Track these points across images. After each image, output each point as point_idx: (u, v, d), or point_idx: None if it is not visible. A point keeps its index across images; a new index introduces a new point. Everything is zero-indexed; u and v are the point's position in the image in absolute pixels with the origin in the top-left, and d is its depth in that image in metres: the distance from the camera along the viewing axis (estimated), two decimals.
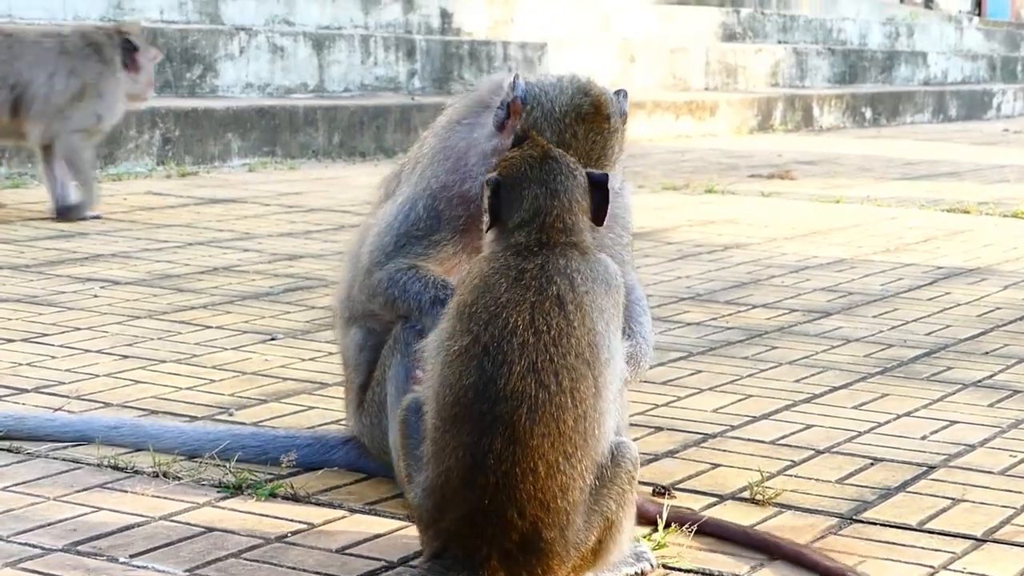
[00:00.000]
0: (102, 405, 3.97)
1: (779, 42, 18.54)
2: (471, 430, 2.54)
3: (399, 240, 3.22)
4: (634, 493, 2.69)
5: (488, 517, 2.53)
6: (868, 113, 17.14)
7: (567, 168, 2.77)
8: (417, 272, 3.18)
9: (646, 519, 3.05)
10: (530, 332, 2.57)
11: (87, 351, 4.56)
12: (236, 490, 3.30)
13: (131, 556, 2.90)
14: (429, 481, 2.61)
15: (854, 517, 3.28)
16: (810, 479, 3.53)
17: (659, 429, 3.91)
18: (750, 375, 4.55)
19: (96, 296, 5.41)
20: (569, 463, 2.53)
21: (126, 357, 4.50)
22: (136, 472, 3.40)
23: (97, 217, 7.25)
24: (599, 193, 2.78)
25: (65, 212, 7.21)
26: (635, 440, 3.06)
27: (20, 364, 4.37)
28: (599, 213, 2.78)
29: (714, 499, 3.37)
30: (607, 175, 2.80)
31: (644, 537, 3.01)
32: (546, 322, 2.58)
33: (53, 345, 4.62)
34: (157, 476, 3.37)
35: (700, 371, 4.58)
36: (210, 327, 4.96)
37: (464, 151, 3.19)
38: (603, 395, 2.60)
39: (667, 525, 3.07)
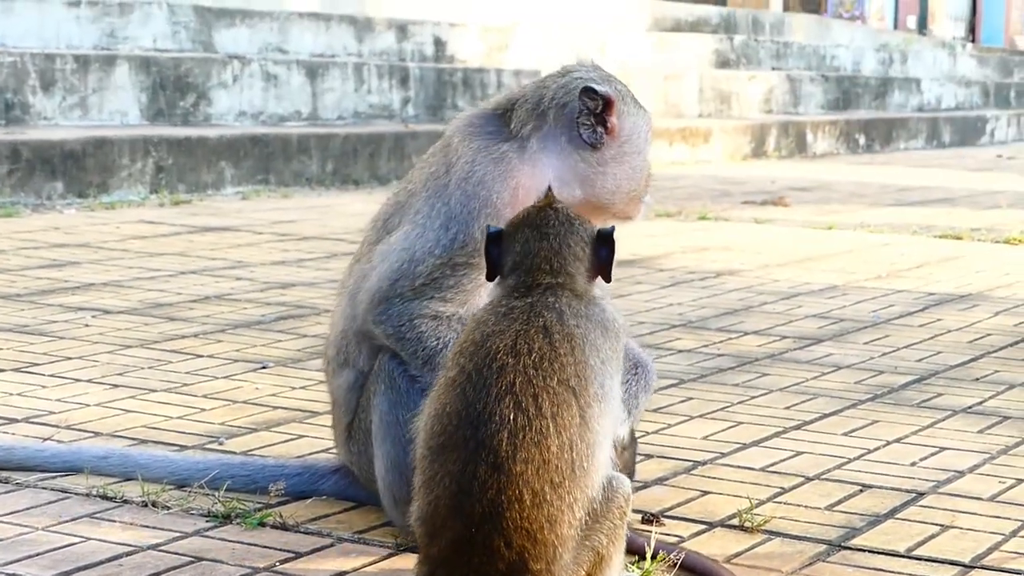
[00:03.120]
0: (92, 435, 3.97)
1: (773, 69, 18.59)
2: (456, 458, 2.53)
3: (432, 271, 3.14)
4: (625, 528, 2.68)
5: (475, 546, 2.50)
6: (861, 139, 17.17)
7: (564, 217, 2.76)
8: (439, 326, 3.14)
9: (632, 550, 3.05)
10: (510, 356, 2.56)
11: (77, 380, 4.56)
12: (225, 519, 3.30)
13: None
14: (420, 511, 2.61)
15: (843, 544, 3.28)
16: (799, 506, 3.53)
17: (649, 456, 3.91)
18: (741, 402, 4.55)
19: (87, 325, 5.41)
20: (556, 494, 2.50)
21: (116, 386, 4.50)
22: (125, 502, 3.40)
23: None
24: (606, 248, 2.76)
25: None
26: None
27: (10, 394, 4.37)
28: (606, 268, 2.76)
29: (703, 526, 3.37)
30: (614, 228, 2.79)
31: (632, 565, 3.01)
32: (528, 346, 2.57)
33: (43, 375, 4.62)
34: (146, 506, 3.37)
35: (691, 398, 4.58)
36: (201, 356, 4.96)
37: (535, 169, 3.18)
38: (591, 427, 2.56)
39: (654, 555, 3.06)
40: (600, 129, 3.21)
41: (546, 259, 2.71)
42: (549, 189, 2.90)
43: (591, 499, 2.56)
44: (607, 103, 3.21)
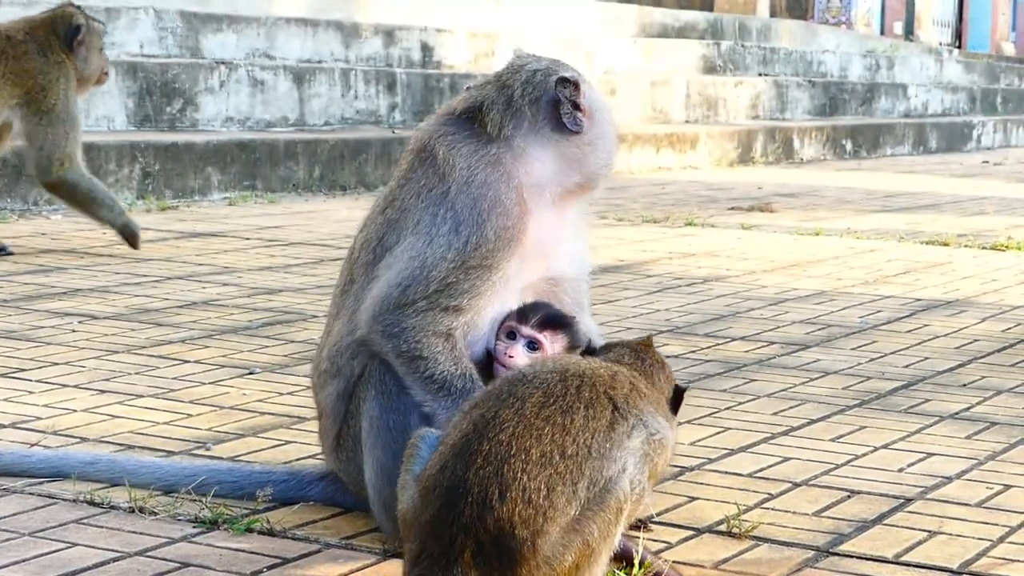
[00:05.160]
0: (79, 440, 3.96)
1: (759, 74, 18.61)
2: (489, 403, 2.70)
3: (447, 276, 3.11)
4: (619, 529, 2.69)
5: (470, 494, 2.56)
6: (848, 145, 17.20)
7: None
8: (454, 348, 3.13)
9: (622, 556, 3.04)
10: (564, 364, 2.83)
11: (64, 386, 4.55)
12: (212, 525, 3.29)
13: None
14: (425, 468, 2.69)
15: (831, 550, 3.28)
16: (787, 512, 3.53)
17: None
18: (728, 408, 4.55)
19: (74, 331, 5.40)
20: (564, 463, 2.61)
21: (103, 392, 4.49)
22: (112, 507, 3.39)
23: None
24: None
25: None
26: None
27: None
28: None
29: (691, 532, 3.37)
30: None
31: (621, 571, 3.01)
32: (575, 361, 2.86)
33: (30, 380, 4.62)
34: (133, 511, 3.37)
35: None
36: (188, 361, 4.95)
37: (530, 165, 3.21)
38: (616, 431, 2.71)
39: (641, 562, 3.06)
40: (578, 114, 3.26)
41: None
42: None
43: (593, 483, 2.64)
44: (575, 87, 3.26)
